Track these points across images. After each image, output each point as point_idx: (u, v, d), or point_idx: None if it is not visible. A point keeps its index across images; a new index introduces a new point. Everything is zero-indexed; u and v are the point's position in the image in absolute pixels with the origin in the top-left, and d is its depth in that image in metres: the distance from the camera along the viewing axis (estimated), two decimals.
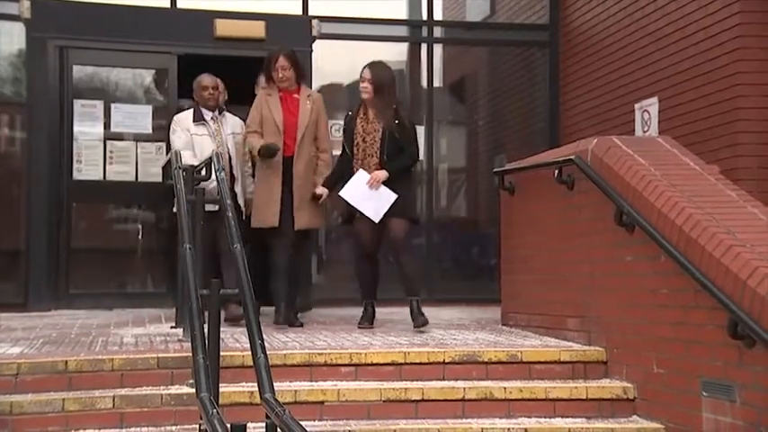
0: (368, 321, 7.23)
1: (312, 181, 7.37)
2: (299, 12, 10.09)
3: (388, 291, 7.69)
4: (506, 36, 11.07)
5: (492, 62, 11.45)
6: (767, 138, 7.53)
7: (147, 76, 9.84)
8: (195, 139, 7.54)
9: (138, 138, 9.56)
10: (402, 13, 10.83)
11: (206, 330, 5.00)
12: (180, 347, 6.02)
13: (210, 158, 6.58)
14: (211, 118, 7.66)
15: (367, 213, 6.91)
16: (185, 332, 6.26)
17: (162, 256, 9.46)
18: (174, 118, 7.77)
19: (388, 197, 6.89)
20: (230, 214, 5.51)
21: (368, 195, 6.91)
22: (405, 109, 7.60)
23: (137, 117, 9.57)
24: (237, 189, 7.71)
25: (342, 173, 7.24)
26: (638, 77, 8.93)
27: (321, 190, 7.29)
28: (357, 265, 7.44)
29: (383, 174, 6.94)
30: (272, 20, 9.80)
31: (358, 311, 7.43)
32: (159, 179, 8.96)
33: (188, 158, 7.16)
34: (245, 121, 7.76)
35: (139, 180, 9.48)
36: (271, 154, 7.20)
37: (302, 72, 7.56)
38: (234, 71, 8.29)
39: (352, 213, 7.13)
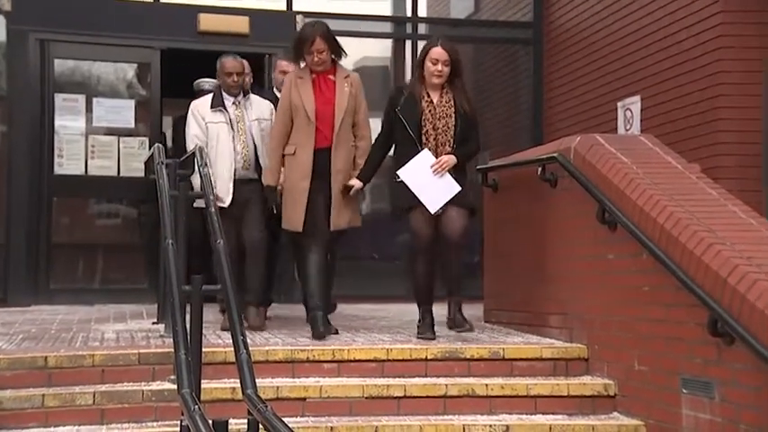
0: (429, 331, 6.29)
1: (350, 174, 6.53)
2: (284, 8, 10.10)
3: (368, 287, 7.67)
4: (490, 33, 11.13)
5: (476, 59, 11.47)
6: (747, 137, 7.62)
7: (130, 71, 9.78)
8: (211, 128, 6.90)
9: (121, 132, 9.50)
10: (387, 10, 10.89)
11: (188, 326, 5.02)
12: (161, 343, 6.00)
13: (193, 153, 6.55)
14: (233, 103, 6.96)
15: (425, 201, 6.08)
16: (167, 328, 6.25)
17: (144, 252, 9.44)
18: (191, 104, 7.13)
19: (451, 187, 6.11)
20: (212, 209, 5.52)
21: (429, 181, 6.10)
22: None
23: (119, 111, 9.53)
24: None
25: (380, 163, 6.56)
26: (620, 76, 8.99)
27: (356, 182, 6.45)
28: (414, 266, 6.39)
29: (453, 159, 6.14)
30: (256, 15, 9.82)
31: (347, 307, 7.41)
32: (142, 174, 8.96)
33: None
34: (275, 104, 7.11)
35: (121, 175, 9.44)
36: (269, 196, 6.62)
37: (339, 50, 6.62)
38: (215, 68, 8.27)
39: (406, 204, 6.21)
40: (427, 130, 6.20)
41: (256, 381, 4.27)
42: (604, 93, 9.25)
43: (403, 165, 6.17)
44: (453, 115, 6.23)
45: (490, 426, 5.35)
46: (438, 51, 6.20)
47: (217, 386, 5.37)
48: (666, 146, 6.34)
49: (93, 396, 5.29)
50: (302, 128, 6.41)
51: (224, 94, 6.97)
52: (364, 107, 6.67)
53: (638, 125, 8.62)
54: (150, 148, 8.36)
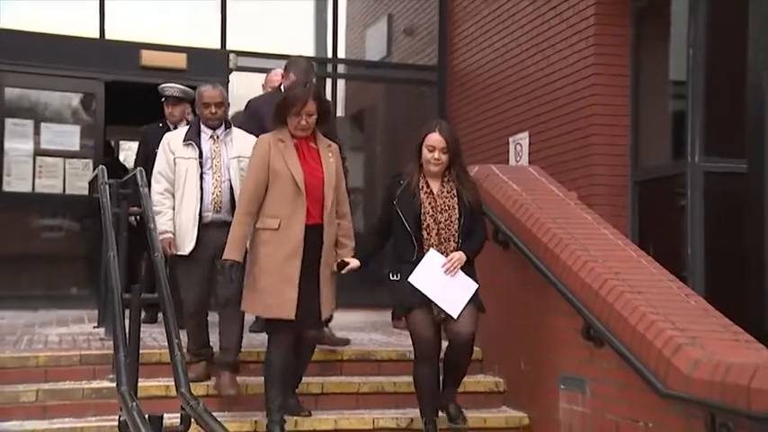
0: None
1: (333, 254, 5.15)
2: (218, 46, 10.07)
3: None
4: (401, 74, 11.22)
5: (388, 97, 11.58)
6: (616, 170, 7.81)
7: (76, 99, 9.58)
8: (179, 163, 5.48)
9: (67, 154, 9.34)
10: (310, 51, 10.87)
11: (128, 329, 4.99)
12: (101, 345, 5.94)
13: (134, 174, 6.39)
14: (211, 137, 5.57)
15: (443, 306, 4.91)
16: (107, 332, 6.16)
17: (85, 262, 9.25)
18: (164, 136, 5.84)
19: (468, 286, 4.96)
20: (152, 225, 5.50)
21: (443, 282, 4.91)
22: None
23: (65, 135, 9.37)
24: None
25: (377, 250, 5.30)
26: (512, 115, 9.09)
27: (354, 261, 5.13)
28: (417, 372, 5.13)
29: (463, 257, 4.97)
30: (193, 52, 9.72)
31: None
32: (85, 192, 8.83)
33: (157, 195, 5.55)
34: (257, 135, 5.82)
35: (66, 193, 9.28)
36: (224, 274, 5.00)
37: (328, 116, 5.24)
38: (158, 98, 8.22)
39: (406, 304, 5.03)
40: (428, 225, 5.01)
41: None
42: (498, 129, 9.33)
43: (403, 262, 5.04)
44: (456, 207, 5.04)
45: (397, 418, 5.41)
46: (435, 138, 5.05)
47: (152, 384, 5.30)
48: (550, 176, 6.47)
49: (37, 394, 5.21)
50: (287, 199, 4.96)
51: (202, 126, 5.62)
52: (344, 181, 5.38)
53: (527, 157, 8.71)
54: (94, 170, 8.22)
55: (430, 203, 5.02)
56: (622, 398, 4.58)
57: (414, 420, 5.32)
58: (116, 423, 4.52)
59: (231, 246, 4.99)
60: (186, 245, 5.45)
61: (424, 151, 5.07)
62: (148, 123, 7.56)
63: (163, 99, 7.31)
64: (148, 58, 9.57)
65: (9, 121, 9.22)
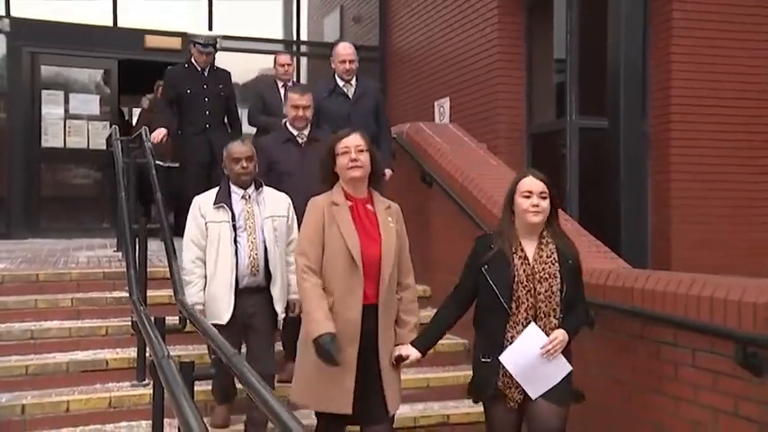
0: None
1: (392, 337, 3.31)
2: (207, 30, 9.84)
3: None
4: None
5: None
6: (515, 126, 7.86)
7: (96, 75, 9.40)
8: (211, 228, 3.98)
9: (90, 118, 9.20)
10: (279, 35, 10.70)
11: (137, 252, 4.96)
12: (119, 265, 5.89)
13: (140, 133, 6.23)
14: (242, 197, 4.05)
15: (527, 388, 3.13)
16: (123, 255, 6.14)
17: (106, 202, 9.11)
18: (194, 201, 4.13)
19: (562, 368, 3.16)
20: (153, 172, 5.45)
21: (536, 363, 3.10)
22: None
23: (88, 103, 9.22)
24: (274, 291, 4.05)
25: (448, 329, 3.40)
26: (436, 84, 9.07)
27: (414, 353, 3.29)
28: None
29: (566, 336, 3.13)
30: (186, 36, 9.52)
31: None
32: (104, 147, 8.70)
33: (189, 264, 4.02)
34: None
35: (90, 148, 9.15)
36: (324, 355, 3.10)
37: (378, 167, 3.41)
38: (160, 72, 8.04)
39: (488, 392, 3.19)
40: (519, 297, 3.11)
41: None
42: (426, 95, 9.31)
43: (487, 336, 3.20)
44: (558, 274, 3.14)
45: None
46: (530, 183, 3.21)
47: (158, 294, 5.23)
48: (466, 131, 6.47)
49: (71, 301, 5.20)
50: (341, 274, 3.19)
51: (231, 186, 4.08)
52: (408, 247, 3.44)
53: (448, 117, 8.70)
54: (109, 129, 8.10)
55: (525, 271, 3.13)
56: None
57: None
58: (130, 323, 4.55)
59: (323, 316, 3.12)
60: (223, 313, 3.93)
61: (519, 200, 3.20)
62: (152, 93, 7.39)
63: (193, 46, 6.38)
64: (151, 41, 9.43)
65: (45, 93, 9.05)
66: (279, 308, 4.07)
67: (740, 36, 6.76)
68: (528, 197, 3.19)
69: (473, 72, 8.23)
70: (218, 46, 6.50)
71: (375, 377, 3.25)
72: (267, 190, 4.16)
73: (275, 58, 6.58)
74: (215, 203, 4.03)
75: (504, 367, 3.12)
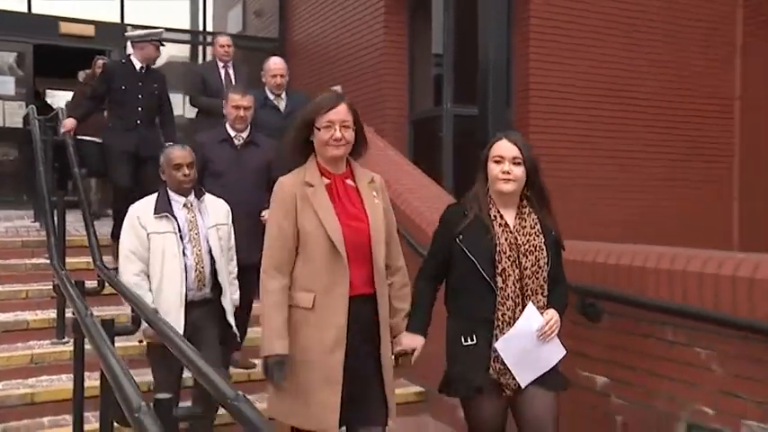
0: None
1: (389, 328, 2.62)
2: (118, 20, 9.56)
3: None
4: (253, 45, 10.85)
5: (247, 61, 11.29)
6: (399, 112, 8.01)
7: (11, 57, 9.05)
8: (154, 240, 3.35)
9: (5, 98, 8.89)
10: (187, 25, 10.51)
11: (56, 222, 4.96)
12: (38, 234, 5.83)
13: (56, 113, 6.14)
14: (184, 205, 3.46)
15: (517, 375, 2.58)
16: (41, 225, 6.07)
17: (23, 176, 8.80)
18: (129, 210, 3.48)
19: (556, 353, 2.65)
20: (71, 149, 5.41)
21: (531, 348, 2.56)
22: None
23: (4, 84, 8.91)
24: (226, 303, 3.50)
25: (432, 303, 2.74)
26: (329, 72, 9.09)
27: (418, 341, 2.67)
28: None
29: (558, 318, 2.63)
30: (99, 24, 9.30)
31: None
32: (20, 126, 8.45)
33: (133, 277, 3.34)
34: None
35: (6, 126, 8.85)
36: (270, 378, 2.47)
37: (364, 137, 2.65)
38: (74, 58, 7.87)
39: (474, 384, 2.57)
40: (504, 269, 2.54)
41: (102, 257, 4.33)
42: (322, 83, 9.13)
43: (475, 320, 2.58)
44: (544, 247, 2.60)
45: None
46: (503, 146, 2.65)
47: (76, 260, 5.22)
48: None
49: None
50: (324, 265, 2.47)
51: (170, 193, 3.47)
52: (395, 223, 2.72)
53: None
54: (26, 109, 7.85)
55: (507, 240, 2.56)
56: None
57: None
58: (51, 286, 4.58)
59: (270, 338, 2.44)
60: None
61: (490, 166, 2.65)
62: (67, 77, 7.22)
63: (130, 43, 5.91)
64: (65, 27, 9.12)
65: None
66: (231, 318, 3.50)
67: (588, 41, 7.30)
68: (499, 162, 2.61)
69: (363, 64, 8.34)
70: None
71: (373, 377, 2.52)
72: (208, 197, 3.56)
73: (215, 39, 6.19)
74: (156, 213, 3.38)
75: (495, 350, 2.52)
